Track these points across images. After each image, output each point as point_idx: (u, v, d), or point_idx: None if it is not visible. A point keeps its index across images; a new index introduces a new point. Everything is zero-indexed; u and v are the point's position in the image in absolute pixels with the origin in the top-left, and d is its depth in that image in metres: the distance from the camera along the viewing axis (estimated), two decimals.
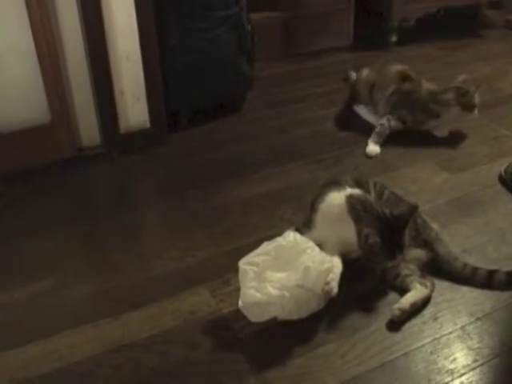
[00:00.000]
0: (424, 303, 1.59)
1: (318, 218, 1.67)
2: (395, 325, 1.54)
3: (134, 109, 2.39)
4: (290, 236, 1.62)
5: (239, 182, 2.23)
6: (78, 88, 2.29)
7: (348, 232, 1.59)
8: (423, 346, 1.48)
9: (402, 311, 1.54)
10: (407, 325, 1.54)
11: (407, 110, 2.49)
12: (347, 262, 1.62)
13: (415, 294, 1.58)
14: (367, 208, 1.59)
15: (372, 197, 1.69)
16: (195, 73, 2.57)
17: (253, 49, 2.81)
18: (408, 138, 2.50)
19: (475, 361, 1.43)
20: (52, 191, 2.21)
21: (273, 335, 1.51)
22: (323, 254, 1.56)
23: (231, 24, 2.61)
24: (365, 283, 1.67)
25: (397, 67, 2.71)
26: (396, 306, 1.55)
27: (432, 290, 1.62)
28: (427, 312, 1.58)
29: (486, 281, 1.65)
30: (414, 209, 1.59)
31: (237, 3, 2.61)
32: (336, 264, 1.56)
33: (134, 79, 2.33)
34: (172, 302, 1.64)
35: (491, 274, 1.65)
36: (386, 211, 1.58)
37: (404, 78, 2.59)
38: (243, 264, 1.56)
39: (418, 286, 1.60)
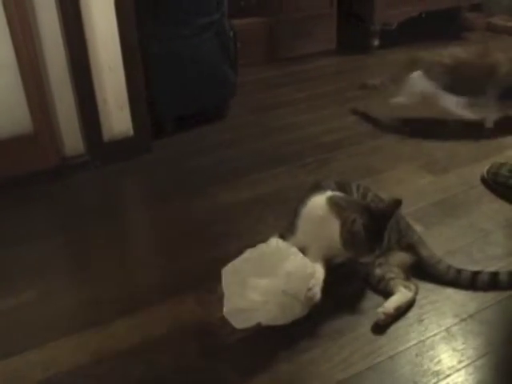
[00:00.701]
0: (408, 306, 1.59)
1: (301, 223, 1.67)
2: (380, 328, 1.54)
3: (118, 117, 2.39)
4: (273, 243, 1.61)
5: (224, 188, 2.24)
6: (61, 98, 2.28)
7: (331, 234, 1.58)
8: (408, 348, 1.48)
9: (387, 315, 1.54)
10: (392, 328, 1.54)
11: None
12: (331, 266, 1.63)
13: (399, 297, 1.59)
14: (351, 202, 1.60)
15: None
16: (178, 80, 2.57)
17: (236, 55, 2.83)
18: (391, 141, 2.52)
19: (460, 362, 1.44)
20: (36, 201, 2.20)
21: (259, 341, 1.51)
22: (306, 260, 1.56)
23: (213, 30, 2.62)
24: (349, 287, 1.67)
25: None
26: (380, 309, 1.55)
27: (416, 293, 1.62)
28: (412, 314, 1.58)
29: (470, 282, 1.66)
30: (398, 202, 1.59)
31: (218, 10, 2.61)
32: (318, 269, 1.56)
33: (116, 88, 2.34)
34: (158, 310, 1.64)
35: (475, 275, 1.66)
36: (372, 204, 1.60)
37: None
38: (226, 271, 1.56)
39: (402, 289, 1.60)
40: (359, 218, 1.54)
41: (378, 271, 1.65)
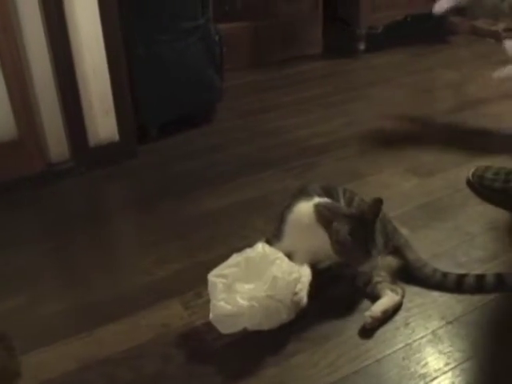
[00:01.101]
0: (395, 310, 1.60)
1: (287, 229, 1.67)
2: (367, 332, 1.54)
3: (103, 122, 2.38)
4: (259, 247, 1.62)
5: (210, 192, 2.23)
6: (45, 103, 2.27)
7: (317, 240, 1.59)
8: (395, 351, 1.48)
9: (374, 319, 1.55)
10: (379, 331, 1.55)
11: None
12: (318, 270, 1.63)
13: (386, 300, 1.59)
14: (336, 211, 1.60)
15: (341, 204, 1.70)
16: (164, 84, 2.57)
17: (221, 59, 2.83)
18: (377, 144, 2.53)
19: (447, 364, 1.44)
20: (22, 207, 2.19)
21: (245, 346, 1.50)
22: (292, 264, 1.56)
23: (199, 35, 2.62)
24: (336, 291, 1.67)
25: None
26: (367, 313, 1.56)
27: (403, 297, 1.62)
28: (399, 318, 1.59)
29: (456, 285, 1.67)
30: (379, 202, 1.58)
31: (204, 14, 2.62)
32: (304, 274, 1.56)
33: (101, 93, 2.33)
34: (145, 316, 1.63)
35: (461, 278, 1.67)
36: (353, 210, 1.61)
37: None
38: (212, 276, 1.55)
39: (389, 292, 1.60)
40: (344, 227, 1.54)
41: (364, 275, 1.65)
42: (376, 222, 1.58)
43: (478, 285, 1.66)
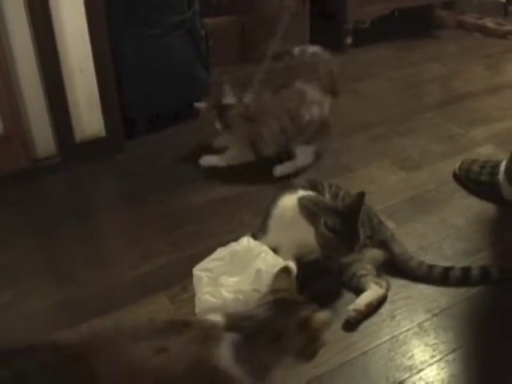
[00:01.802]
0: (380, 303, 1.61)
1: (272, 223, 1.68)
2: (351, 326, 1.55)
3: (89, 118, 2.37)
4: (244, 241, 1.62)
5: (198, 187, 2.23)
6: (32, 99, 2.25)
7: (302, 234, 1.59)
8: (381, 344, 1.50)
9: (358, 312, 1.55)
10: (365, 324, 1.56)
11: None
12: (303, 264, 1.63)
13: (370, 294, 1.60)
14: (320, 206, 1.60)
15: (327, 198, 1.70)
16: (150, 79, 2.56)
17: (208, 53, 2.82)
18: (363, 138, 2.54)
19: (432, 356, 1.46)
20: (8, 203, 2.17)
21: None
22: (276, 258, 1.57)
23: (185, 29, 2.60)
24: (321, 285, 1.68)
25: None
26: (351, 306, 1.56)
27: (387, 290, 1.63)
28: (385, 310, 1.60)
29: (442, 278, 1.68)
30: (361, 196, 1.59)
31: (190, 8, 2.60)
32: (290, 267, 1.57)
33: (87, 88, 2.31)
34: (131, 310, 1.63)
35: (446, 270, 1.68)
36: (338, 204, 1.61)
37: None
38: (197, 270, 1.56)
39: (373, 285, 1.61)
40: (328, 220, 1.55)
41: (350, 268, 1.66)
42: (359, 216, 1.59)
43: (464, 277, 1.67)
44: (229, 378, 1.06)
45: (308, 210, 1.59)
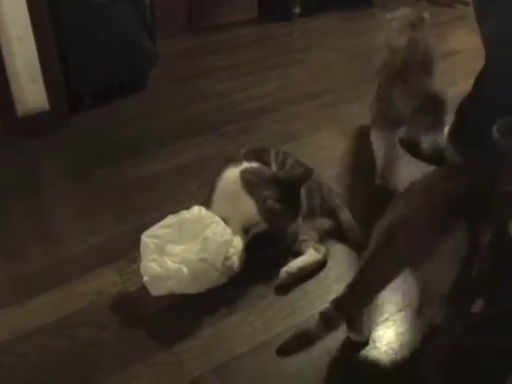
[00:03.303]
0: (316, 268, 1.62)
1: (216, 196, 1.68)
2: (283, 288, 1.56)
3: (31, 90, 2.31)
4: (195, 210, 1.61)
5: (144, 159, 2.21)
6: None
7: (246, 207, 1.60)
8: None
9: (289, 274, 1.57)
10: (312, 287, 1.57)
11: None
12: (252, 235, 1.64)
13: (306, 258, 1.61)
14: (261, 176, 1.60)
15: (273, 166, 1.70)
16: (94, 51, 2.51)
17: (154, 24, 2.77)
18: (312, 107, 2.55)
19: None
20: None
21: (181, 309, 1.51)
22: (226, 228, 1.56)
23: None
24: (269, 253, 1.68)
25: None
26: (284, 269, 1.57)
27: (326, 256, 1.65)
28: (332, 274, 1.61)
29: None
30: (309, 172, 1.60)
31: None
32: (237, 239, 1.58)
33: (27, 59, 2.25)
34: (79, 285, 1.61)
35: None
36: (281, 173, 1.61)
37: None
38: (145, 237, 1.55)
39: (311, 250, 1.63)
40: (271, 194, 1.55)
41: (295, 236, 1.67)
42: (301, 188, 1.60)
43: None
44: None
45: (249, 183, 1.59)
